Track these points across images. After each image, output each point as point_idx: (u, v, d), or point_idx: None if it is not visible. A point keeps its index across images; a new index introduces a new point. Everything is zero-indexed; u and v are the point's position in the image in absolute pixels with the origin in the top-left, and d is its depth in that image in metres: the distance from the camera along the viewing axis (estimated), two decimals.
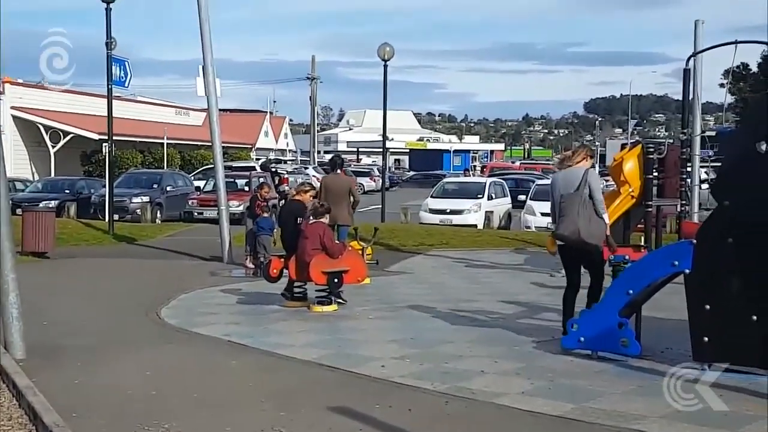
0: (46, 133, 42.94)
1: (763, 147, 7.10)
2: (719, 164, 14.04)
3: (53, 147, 42.62)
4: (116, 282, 14.67)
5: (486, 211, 25.61)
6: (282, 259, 12.09)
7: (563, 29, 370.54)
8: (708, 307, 7.49)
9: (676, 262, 7.84)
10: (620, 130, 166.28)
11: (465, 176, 31.45)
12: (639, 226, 15.39)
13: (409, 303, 12.13)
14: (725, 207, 7.57)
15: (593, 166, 9.90)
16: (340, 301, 11.62)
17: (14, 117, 43.33)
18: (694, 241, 7.74)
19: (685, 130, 16.79)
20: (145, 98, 62.18)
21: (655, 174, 15.69)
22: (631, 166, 15.90)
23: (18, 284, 9.06)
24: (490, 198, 26.66)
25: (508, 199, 28.19)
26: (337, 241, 12.19)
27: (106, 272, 16.10)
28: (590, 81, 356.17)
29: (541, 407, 6.88)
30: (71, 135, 42.37)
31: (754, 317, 7.27)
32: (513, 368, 8.14)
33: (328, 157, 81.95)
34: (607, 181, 17.65)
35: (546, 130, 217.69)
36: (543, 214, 24.65)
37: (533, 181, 37.44)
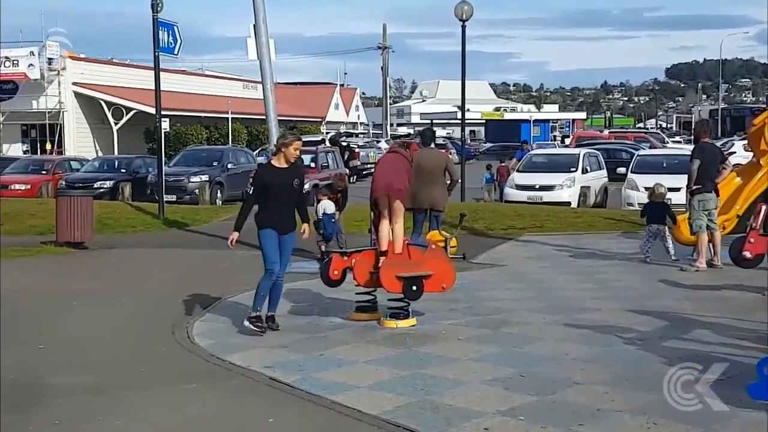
0: (109, 110, 41.25)
1: None
2: None
3: (116, 124, 40.94)
4: (151, 281, 12.30)
5: (581, 187, 22.59)
6: (346, 258, 9.45)
7: None
8: None
9: None
10: (705, 96, 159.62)
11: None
12: None
13: (508, 313, 9.43)
14: None
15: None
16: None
17: (76, 94, 41.76)
18: None
19: None
20: (212, 72, 60.44)
21: None
22: None
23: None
24: (584, 171, 23.55)
25: (605, 172, 25.06)
26: (423, 245, 9.52)
27: (143, 267, 13.76)
28: (670, 46, 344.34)
29: None
30: (134, 111, 40.55)
31: None
32: None
33: (402, 129, 79.26)
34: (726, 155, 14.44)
35: (626, 98, 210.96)
36: (647, 189, 21.65)
37: (626, 152, 34.25)
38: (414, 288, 8.79)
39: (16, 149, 41.27)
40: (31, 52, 38.97)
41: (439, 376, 7.00)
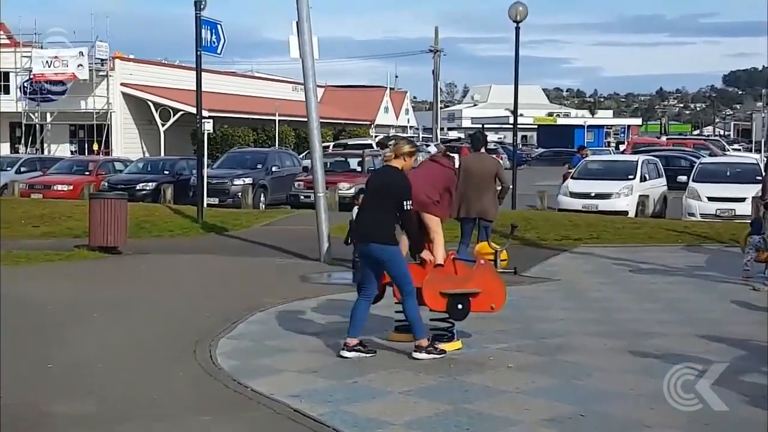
0: (156, 111, 40.98)
1: None
2: None
3: (163, 125, 40.65)
4: (180, 291, 11.56)
5: (639, 195, 21.45)
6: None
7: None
8: None
9: None
10: (761, 104, 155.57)
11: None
12: None
13: (565, 337, 8.51)
14: None
15: None
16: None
17: (124, 94, 41.60)
18: None
19: None
20: (262, 74, 60.14)
21: None
22: None
23: None
24: (643, 179, 22.37)
25: (664, 180, 23.81)
26: (471, 260, 8.64)
27: (174, 275, 13.07)
28: (727, 53, 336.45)
29: None
30: (181, 112, 40.17)
31: None
32: None
33: (452, 133, 78.08)
34: None
35: (681, 105, 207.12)
36: (710, 199, 20.51)
37: (685, 159, 32.92)
38: (460, 307, 7.92)
39: (64, 149, 41.24)
40: (81, 53, 38.87)
41: (486, 413, 6.13)
